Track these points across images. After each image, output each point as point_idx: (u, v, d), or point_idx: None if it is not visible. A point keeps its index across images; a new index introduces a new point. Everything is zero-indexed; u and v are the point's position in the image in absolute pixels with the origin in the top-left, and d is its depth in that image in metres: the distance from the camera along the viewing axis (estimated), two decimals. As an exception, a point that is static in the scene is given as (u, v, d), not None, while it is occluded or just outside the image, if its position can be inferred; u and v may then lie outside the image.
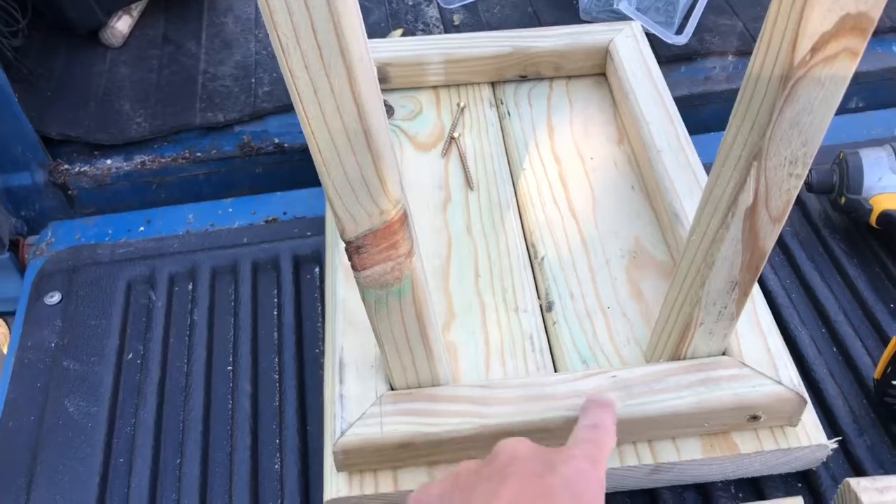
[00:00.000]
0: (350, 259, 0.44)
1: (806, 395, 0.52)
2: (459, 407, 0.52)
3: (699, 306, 0.49)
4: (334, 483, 0.53)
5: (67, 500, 0.57)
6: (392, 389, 0.53)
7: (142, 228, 0.78)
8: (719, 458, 0.53)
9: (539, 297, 0.63)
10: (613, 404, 0.50)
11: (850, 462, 0.56)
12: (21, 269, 0.80)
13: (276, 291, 0.70)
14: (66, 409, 0.62)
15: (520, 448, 0.44)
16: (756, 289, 0.58)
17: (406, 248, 0.44)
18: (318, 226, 0.73)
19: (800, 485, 0.55)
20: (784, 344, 0.54)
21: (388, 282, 0.45)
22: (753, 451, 0.53)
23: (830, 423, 0.58)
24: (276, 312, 0.69)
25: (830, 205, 0.71)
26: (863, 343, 0.63)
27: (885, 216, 0.65)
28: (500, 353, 0.59)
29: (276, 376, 0.64)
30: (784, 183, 0.43)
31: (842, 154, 0.68)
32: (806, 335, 0.63)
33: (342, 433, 0.51)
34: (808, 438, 0.53)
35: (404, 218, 0.43)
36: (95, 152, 0.84)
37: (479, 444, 0.52)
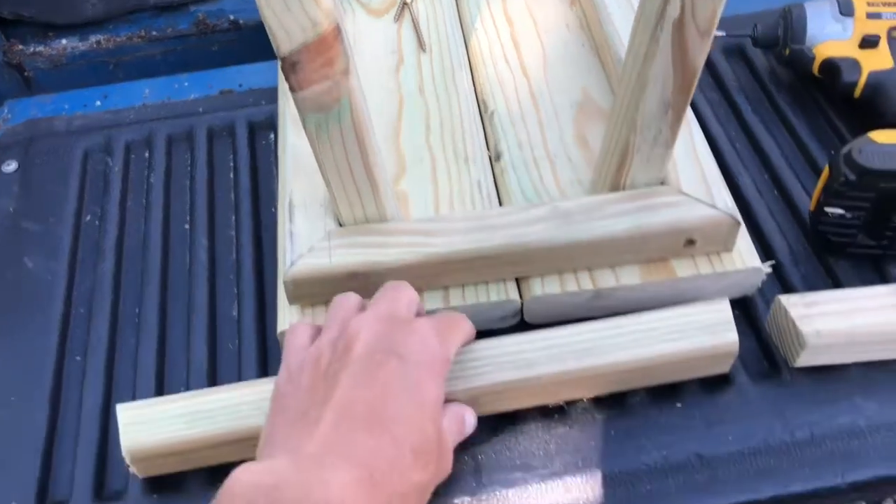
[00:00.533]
0: (287, 80, 0.45)
1: (739, 218, 0.54)
2: (406, 238, 0.54)
3: (635, 131, 0.51)
4: (287, 315, 0.55)
5: (29, 346, 0.58)
6: (341, 226, 0.55)
7: (98, 103, 0.78)
8: (657, 282, 0.55)
9: (488, 149, 0.64)
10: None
11: (785, 289, 0.59)
12: (-21, 148, 0.80)
13: (231, 156, 0.71)
14: (25, 265, 0.63)
15: (367, 331, 0.46)
16: (693, 121, 0.60)
17: (342, 65, 0.45)
18: (273, 95, 0.73)
19: (736, 311, 0.57)
20: (720, 172, 0.56)
21: (326, 103, 0.46)
22: (690, 276, 0.55)
23: (769, 257, 0.60)
24: (231, 176, 0.70)
25: (776, 59, 0.72)
26: (803, 186, 0.65)
27: (826, 63, 0.67)
28: (450, 199, 0.60)
29: (233, 233, 0.65)
30: (709, -9, 0.43)
31: (787, 7, 0.69)
32: (748, 179, 0.65)
33: (291, 264, 0.53)
34: (743, 262, 0.55)
35: (337, 32, 0.43)
36: (50, 33, 0.83)
37: (427, 272, 0.54)
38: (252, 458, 0.51)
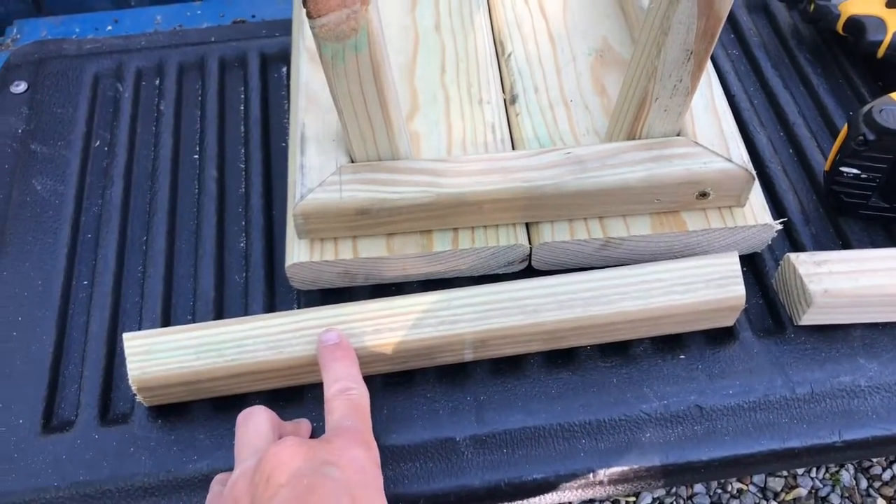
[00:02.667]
0: (305, 5, 0.44)
1: (754, 173, 0.53)
2: (418, 178, 0.53)
3: (654, 78, 0.50)
4: (296, 249, 0.55)
5: (36, 268, 0.58)
6: (353, 162, 0.54)
7: (109, 27, 0.77)
8: (667, 234, 0.55)
9: (504, 92, 0.63)
10: (344, 342, 0.49)
11: (795, 249, 0.59)
12: (-13, 67, 0.79)
13: (242, 87, 0.70)
14: (34, 187, 0.63)
15: (283, 458, 0.41)
16: (713, 74, 0.59)
17: (362, -7, 0.44)
18: (286, 27, 0.73)
19: (745, 269, 0.58)
20: (737, 127, 0.55)
21: (343, 32, 0.45)
22: (701, 229, 0.55)
23: (780, 215, 0.60)
24: (242, 107, 0.69)
25: (800, 15, 0.71)
26: (819, 145, 0.64)
27: (851, 21, 0.65)
28: (462, 141, 0.60)
29: (243, 166, 0.65)
30: (741, -65, 0.42)
31: (815, -39, 0.68)
32: (764, 136, 0.65)
33: (302, 197, 0.52)
34: (755, 218, 0.55)
35: (359, -42, 0.42)
36: (60, -47, 0.82)
37: (436, 213, 0.54)
38: (256, 392, 0.52)
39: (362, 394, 0.47)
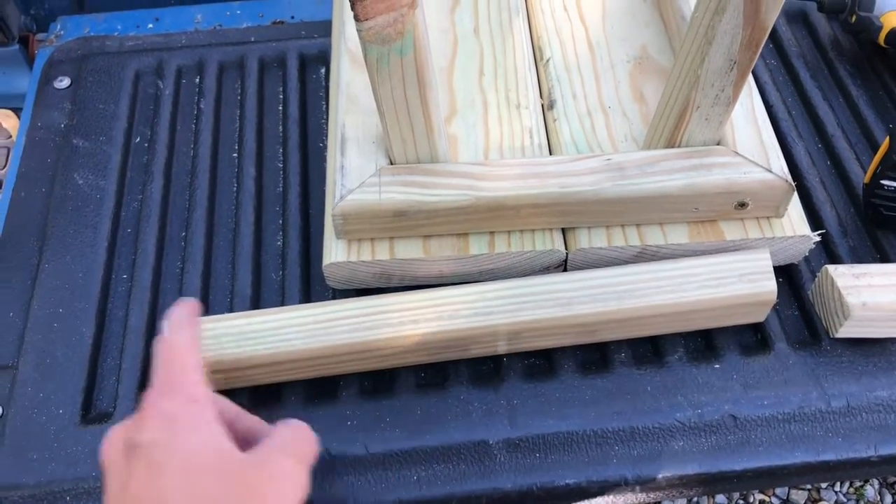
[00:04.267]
0: (353, 7, 0.44)
1: (793, 184, 0.53)
2: (456, 181, 0.54)
3: (697, 87, 0.50)
4: (333, 248, 0.55)
5: (77, 261, 0.59)
6: (392, 164, 0.55)
7: (150, 25, 0.78)
8: (705, 243, 0.55)
9: (542, 97, 0.64)
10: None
11: (832, 260, 0.58)
12: (31, 63, 0.80)
13: (281, 88, 0.71)
14: (75, 181, 0.64)
15: (109, 449, 0.41)
16: (753, 85, 0.59)
17: (409, -3, 0.44)
18: (325, 28, 0.73)
19: (781, 279, 0.57)
20: (776, 138, 0.55)
21: (389, 36, 0.46)
22: (738, 239, 0.55)
23: (817, 226, 0.60)
24: (280, 108, 0.69)
25: (840, 25, 0.71)
26: (857, 157, 0.64)
27: (894, 33, 0.65)
28: (500, 146, 0.60)
29: (281, 165, 0.66)
30: (791, -55, 0.42)
31: (857, -28, 0.67)
32: (802, 148, 0.64)
33: (341, 198, 0.53)
34: (793, 229, 0.55)
35: (408, -37, 0.43)
36: (104, -49, 0.83)
37: (473, 216, 0.54)
38: (292, 382, 0.52)
39: (174, 339, 0.44)
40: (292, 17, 0.78)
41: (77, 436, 0.51)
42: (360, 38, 0.46)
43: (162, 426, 0.40)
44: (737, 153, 0.54)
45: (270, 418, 0.51)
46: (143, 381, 0.54)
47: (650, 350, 0.55)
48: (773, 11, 0.46)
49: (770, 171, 0.53)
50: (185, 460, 0.38)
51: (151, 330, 0.56)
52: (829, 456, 0.50)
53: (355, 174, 0.54)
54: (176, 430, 0.40)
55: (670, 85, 0.52)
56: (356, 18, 0.45)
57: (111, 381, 0.54)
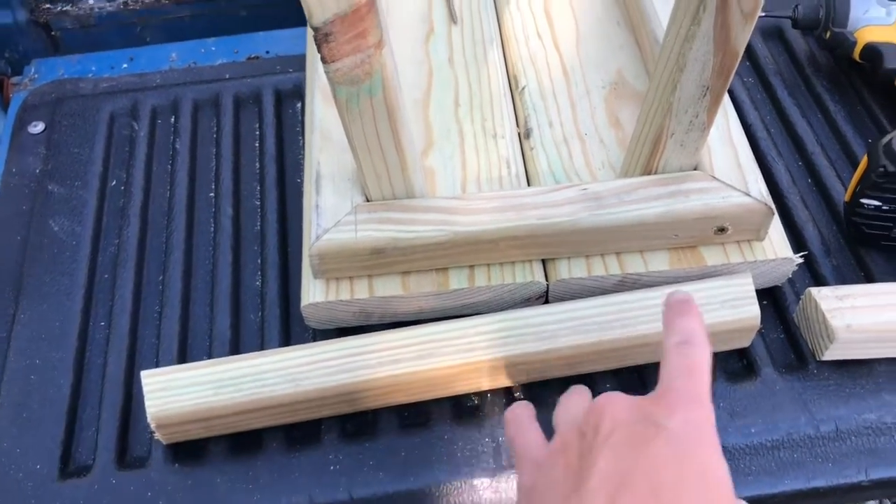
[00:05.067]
0: (319, 50, 0.44)
1: (773, 207, 0.53)
2: (433, 216, 0.53)
3: (670, 114, 0.50)
4: (311, 289, 0.55)
5: (54, 310, 0.59)
6: (368, 201, 0.54)
7: (125, 65, 0.78)
8: (686, 269, 0.54)
9: (518, 126, 0.63)
10: (692, 301, 0.45)
11: (816, 281, 0.58)
12: (5, 106, 0.80)
13: (257, 124, 0.70)
14: (50, 228, 0.63)
15: (613, 409, 0.39)
16: (729, 105, 0.58)
17: (375, 37, 0.44)
18: (300, 63, 0.73)
19: (765, 302, 0.57)
20: (754, 158, 0.55)
21: (358, 77, 0.45)
22: (720, 264, 0.54)
23: (800, 247, 0.59)
24: (257, 144, 0.69)
25: (816, 42, 0.70)
26: (838, 174, 0.63)
27: (868, 48, 0.65)
28: (477, 177, 0.59)
29: (258, 202, 0.65)
30: (756, -27, 0.42)
31: (830, -12, 0.67)
32: (782, 166, 0.64)
33: (317, 238, 0.52)
34: (775, 252, 0.54)
35: (372, 3, 0.42)
36: (77, -8, 0.83)
37: (451, 251, 0.53)
38: (274, 427, 0.52)
39: (700, 353, 0.42)
40: (267, 52, 0.77)
41: (55, 491, 0.50)
42: (329, 79, 0.46)
43: (687, 424, 0.38)
44: (714, 178, 0.54)
45: (251, 466, 0.50)
46: (123, 431, 0.53)
47: (636, 379, 0.54)
48: (744, 37, 0.45)
49: (748, 194, 0.53)
50: (703, 464, 0.37)
51: (130, 378, 0.55)
52: (819, 482, 0.49)
53: (331, 213, 0.54)
54: (700, 434, 0.38)
55: (644, 112, 0.52)
56: (323, 60, 0.44)
57: (90, 432, 0.54)
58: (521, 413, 0.47)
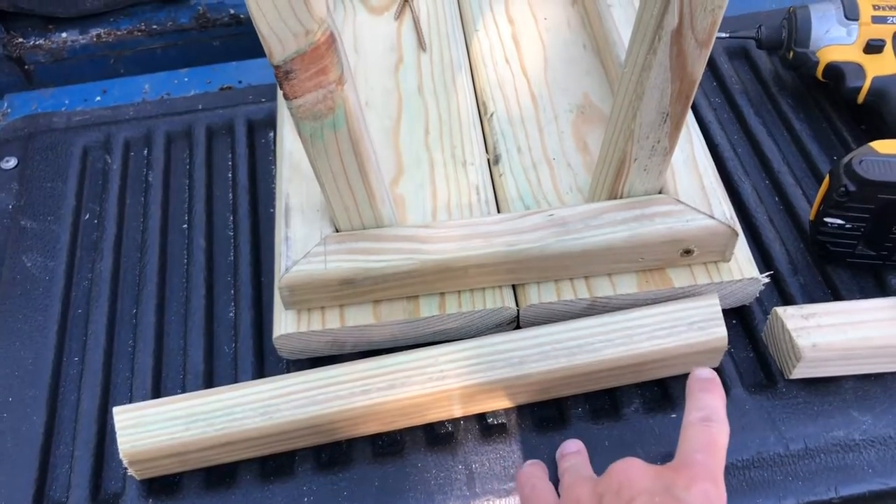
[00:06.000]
0: (281, 87, 0.44)
1: (738, 229, 0.53)
2: (401, 245, 0.54)
3: (632, 140, 0.50)
4: (283, 320, 0.55)
5: (27, 347, 0.59)
6: (337, 231, 0.55)
7: (98, 98, 0.78)
8: (654, 291, 0.55)
9: (487, 152, 0.64)
10: (716, 379, 0.47)
11: (784, 300, 0.58)
12: (-20, 142, 0.80)
13: (230, 154, 0.71)
14: (23, 264, 0.63)
15: (633, 474, 0.42)
16: (695, 128, 0.59)
17: (336, 74, 0.44)
18: (272, 92, 0.74)
19: (734, 321, 0.58)
20: (720, 181, 0.56)
21: (320, 112, 0.46)
22: (688, 286, 0.55)
23: (767, 265, 0.60)
24: (230, 175, 0.69)
25: (780, 62, 0.71)
26: (804, 192, 0.64)
27: (830, 68, 0.66)
28: (447, 204, 0.60)
29: (231, 233, 0.65)
30: (708, 3, 0.43)
31: (791, 9, 0.68)
32: (749, 185, 0.65)
33: (287, 270, 0.53)
34: (741, 272, 0.55)
35: (332, 41, 0.43)
36: (50, 25, 0.83)
37: (420, 279, 0.54)
38: (247, 460, 0.52)
39: (722, 430, 0.45)
40: (240, 82, 0.78)
41: (29, 530, 0.50)
42: (292, 114, 0.46)
43: (706, 498, 0.41)
44: (679, 201, 0.54)
45: (226, 499, 0.50)
46: (97, 468, 0.53)
47: (607, 402, 0.55)
48: (700, 64, 0.46)
49: (712, 217, 0.53)
50: None
51: (104, 413, 0.55)
52: (790, 501, 0.50)
53: (300, 244, 0.54)
54: None
55: (607, 138, 0.53)
56: (285, 97, 0.45)
57: (64, 469, 0.54)
58: (534, 472, 0.49)
